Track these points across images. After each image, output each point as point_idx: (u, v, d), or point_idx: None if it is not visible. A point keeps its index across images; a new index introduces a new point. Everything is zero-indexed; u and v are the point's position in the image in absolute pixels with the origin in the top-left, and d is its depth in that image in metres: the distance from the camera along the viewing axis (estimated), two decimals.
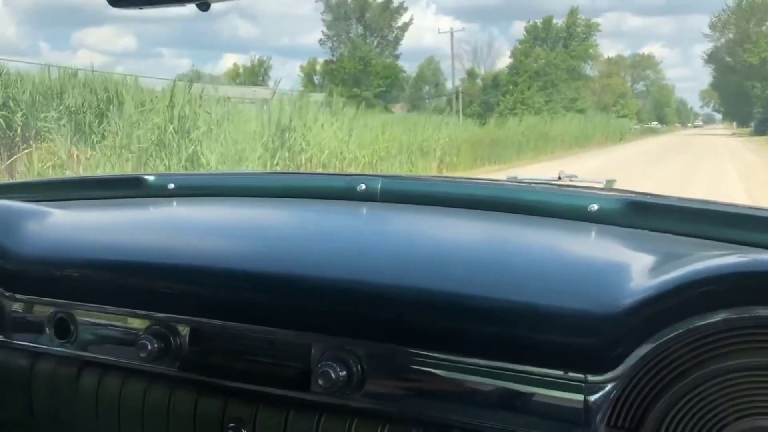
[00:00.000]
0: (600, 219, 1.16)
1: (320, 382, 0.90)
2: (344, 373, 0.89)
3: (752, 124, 61.47)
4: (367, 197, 1.34)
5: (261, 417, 0.96)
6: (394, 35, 54.23)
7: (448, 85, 50.90)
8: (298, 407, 0.95)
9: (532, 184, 1.38)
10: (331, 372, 0.89)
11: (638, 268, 0.90)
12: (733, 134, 56.61)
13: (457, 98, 45.65)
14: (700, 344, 0.78)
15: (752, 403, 0.76)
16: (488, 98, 43.70)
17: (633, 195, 1.22)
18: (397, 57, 56.49)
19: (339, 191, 1.38)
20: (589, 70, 56.28)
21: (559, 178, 1.43)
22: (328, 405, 0.93)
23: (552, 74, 43.09)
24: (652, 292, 0.80)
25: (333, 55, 52.80)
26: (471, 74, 50.53)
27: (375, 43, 54.59)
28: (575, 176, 1.43)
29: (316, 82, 50.40)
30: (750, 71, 51.32)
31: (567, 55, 46.48)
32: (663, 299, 0.79)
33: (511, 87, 42.12)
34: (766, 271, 0.78)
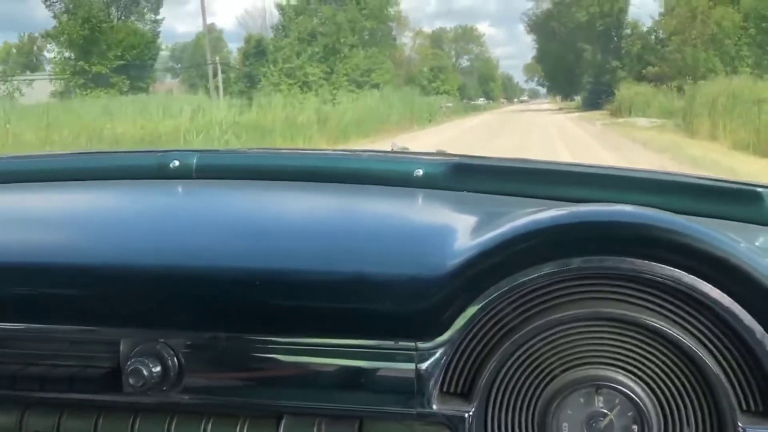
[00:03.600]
0: (425, 184, 1.17)
1: (131, 381, 0.82)
2: (158, 368, 0.83)
3: (578, 98, 55.44)
4: (182, 174, 1.26)
5: (66, 427, 0.88)
6: None
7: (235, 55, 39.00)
8: (108, 411, 0.87)
9: (357, 152, 1.36)
10: (143, 369, 0.82)
11: (462, 229, 0.90)
12: (560, 109, 49.53)
13: (215, 74, 33.90)
14: (525, 300, 0.80)
15: (577, 354, 0.78)
16: (251, 70, 31.94)
17: (456, 158, 1.23)
18: (157, 23, 44.06)
19: (150, 170, 1.29)
20: (400, 37, 46.65)
21: (392, 150, 1.42)
22: (142, 405, 0.86)
23: (333, 37, 32.03)
24: (475, 252, 0.80)
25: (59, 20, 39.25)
26: (249, 42, 38.89)
27: (121, 2, 41.48)
28: (406, 148, 1.42)
29: None
30: (575, 34, 43.55)
31: (359, 13, 35.64)
32: (486, 258, 0.79)
33: (278, 55, 30.61)
34: (582, 222, 0.80)
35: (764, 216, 1.06)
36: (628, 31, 40.36)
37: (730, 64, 27.35)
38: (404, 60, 45.60)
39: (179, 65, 53.64)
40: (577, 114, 35.69)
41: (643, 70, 32.57)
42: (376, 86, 32.42)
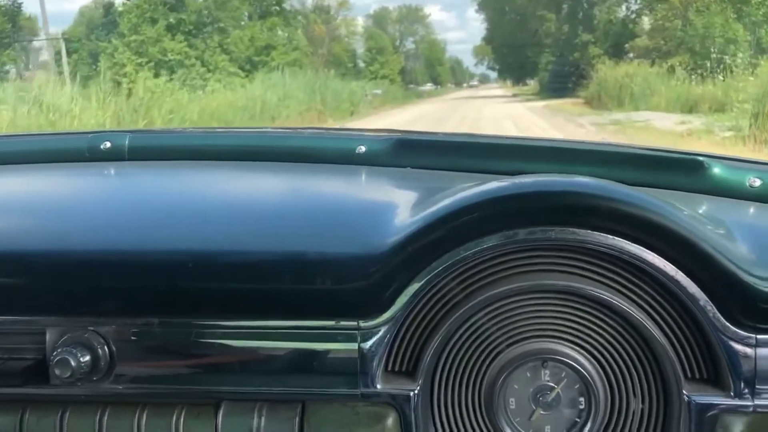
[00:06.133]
0: (368, 160, 1.17)
1: (57, 372, 0.79)
2: (87, 358, 0.81)
3: (532, 82, 48.11)
4: (114, 156, 1.24)
5: None
6: None
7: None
8: (35, 405, 0.85)
9: (299, 130, 1.34)
10: (71, 359, 0.79)
11: (404, 205, 0.90)
12: (514, 96, 41.60)
13: (59, 54, 24.89)
14: (469, 275, 0.79)
15: (522, 327, 0.79)
16: (95, 46, 23.08)
17: (399, 134, 1.23)
18: None
19: (80, 152, 1.26)
20: (320, 7, 38.25)
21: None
22: (72, 397, 0.84)
23: (209, 0, 23.19)
24: (416, 227, 0.79)
25: None
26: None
27: None
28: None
29: None
30: (534, 3, 35.54)
31: None
32: (428, 233, 0.78)
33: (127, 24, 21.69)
34: (525, 193, 0.79)
35: (707, 184, 1.06)
36: None
37: (753, 32, 19.71)
38: (325, 36, 36.96)
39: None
40: (541, 103, 27.51)
41: (627, 44, 24.75)
42: (273, 69, 23.94)
